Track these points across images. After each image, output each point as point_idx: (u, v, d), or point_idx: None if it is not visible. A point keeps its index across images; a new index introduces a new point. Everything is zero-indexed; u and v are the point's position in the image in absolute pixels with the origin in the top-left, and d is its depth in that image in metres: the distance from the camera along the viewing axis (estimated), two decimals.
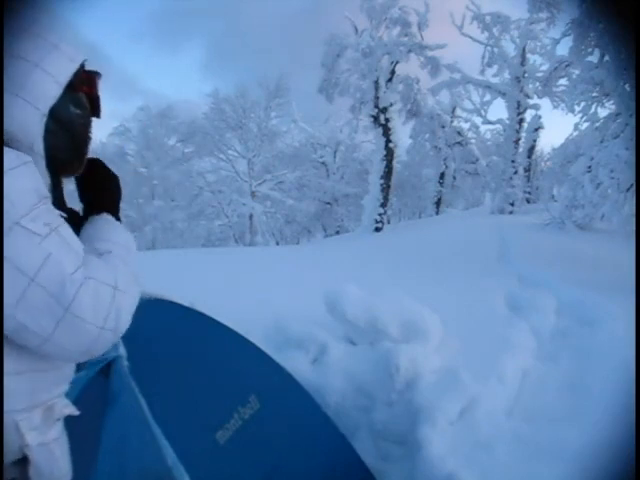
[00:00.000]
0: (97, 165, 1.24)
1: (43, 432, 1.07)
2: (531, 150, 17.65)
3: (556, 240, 8.99)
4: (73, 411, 1.15)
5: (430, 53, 15.41)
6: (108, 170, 1.26)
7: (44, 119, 1.04)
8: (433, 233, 11.40)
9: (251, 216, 25.20)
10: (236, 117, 25.75)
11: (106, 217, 1.18)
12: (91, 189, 1.21)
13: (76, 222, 1.13)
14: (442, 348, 3.56)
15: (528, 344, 3.97)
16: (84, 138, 1.16)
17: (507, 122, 17.11)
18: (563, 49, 12.30)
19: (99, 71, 1.20)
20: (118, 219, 1.21)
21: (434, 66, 15.54)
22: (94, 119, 1.21)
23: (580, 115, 9.86)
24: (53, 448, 1.09)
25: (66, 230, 1.00)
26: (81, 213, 1.22)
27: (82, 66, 1.14)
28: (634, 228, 6.76)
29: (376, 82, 15.16)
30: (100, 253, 1.06)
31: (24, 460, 1.04)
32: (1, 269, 0.90)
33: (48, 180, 1.07)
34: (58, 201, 1.10)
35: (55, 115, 1.06)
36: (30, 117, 1.02)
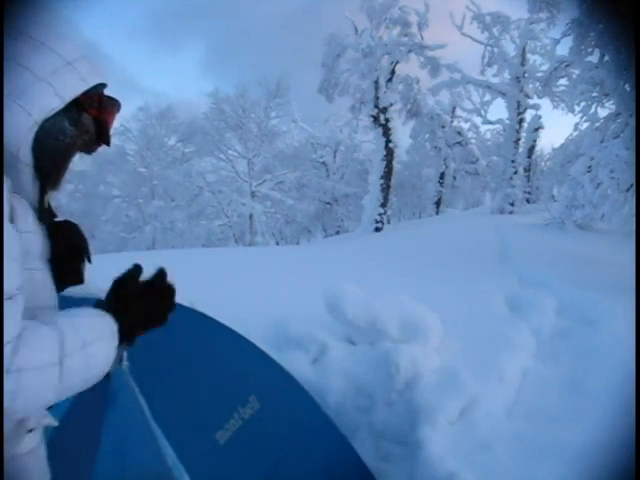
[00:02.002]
0: (156, 277, 1.14)
1: (13, 445, 1.02)
2: (531, 150, 17.63)
3: (556, 240, 8.98)
4: (52, 422, 1.10)
5: (430, 53, 15.41)
6: (157, 289, 1.13)
7: (35, 127, 1.02)
8: (433, 233, 11.39)
9: (251, 216, 25.20)
10: (236, 117, 25.75)
11: (107, 319, 1.02)
12: (121, 292, 1.08)
13: (59, 235, 1.12)
14: (442, 348, 3.56)
15: (528, 344, 3.97)
16: (66, 153, 1.11)
17: (507, 122, 17.08)
18: (563, 49, 12.29)
19: (118, 100, 1.18)
20: (122, 337, 1.05)
21: (434, 66, 15.54)
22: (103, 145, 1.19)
23: (580, 115, 9.85)
24: (25, 461, 1.04)
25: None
26: (68, 225, 1.18)
27: (97, 89, 1.13)
28: (634, 228, 6.75)
29: (376, 82, 15.16)
30: (45, 323, 0.93)
31: None
32: (1, 272, 0.90)
33: (36, 190, 1.06)
34: (42, 213, 1.08)
35: (46, 126, 1.04)
36: (22, 123, 1.00)
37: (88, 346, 0.94)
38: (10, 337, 0.83)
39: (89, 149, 1.18)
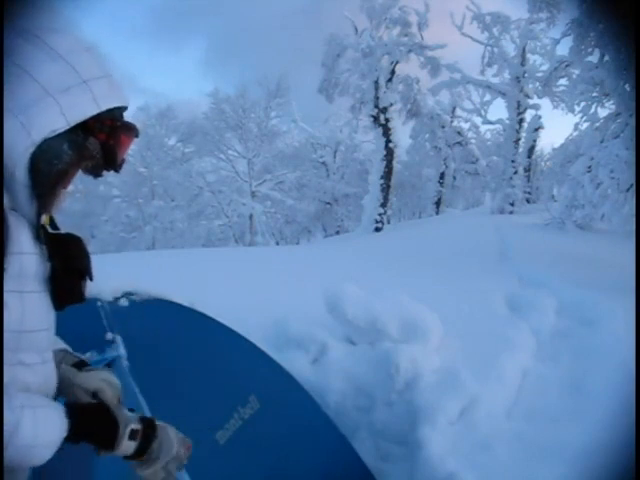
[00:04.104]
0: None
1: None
2: (531, 150, 17.63)
3: (556, 240, 8.98)
4: None
5: (430, 53, 15.42)
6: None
7: (32, 148, 0.96)
8: (433, 233, 11.39)
9: (251, 216, 25.20)
10: (236, 117, 25.75)
11: (64, 430, 1.01)
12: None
13: (56, 251, 1.06)
14: (442, 348, 3.56)
15: (528, 344, 3.97)
16: (59, 178, 1.03)
17: (507, 122, 17.09)
18: (563, 49, 12.29)
19: (135, 126, 1.11)
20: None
21: (434, 66, 15.54)
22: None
23: (580, 115, 9.86)
24: (17, 476, 1.04)
25: None
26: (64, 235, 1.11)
27: (112, 113, 1.06)
28: (634, 228, 6.75)
29: (376, 82, 15.16)
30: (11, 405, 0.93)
31: None
32: (1, 274, 0.89)
33: (33, 210, 1.01)
34: (39, 232, 1.03)
35: (43, 147, 0.98)
36: (19, 142, 0.95)
37: (34, 448, 0.96)
38: None
39: (95, 173, 1.11)
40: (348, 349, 3.48)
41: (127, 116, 1.12)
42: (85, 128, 1.03)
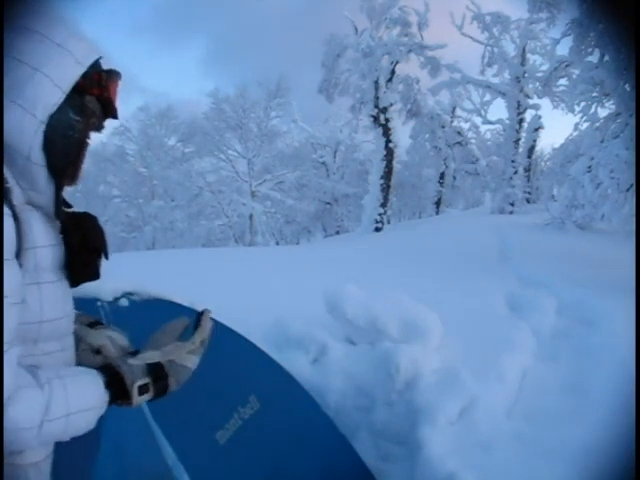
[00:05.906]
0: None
1: (38, 450, 1.03)
2: (531, 150, 17.63)
3: (556, 240, 8.99)
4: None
5: (430, 53, 15.42)
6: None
7: (42, 127, 0.98)
8: (433, 233, 11.40)
9: (251, 216, 25.21)
10: (236, 117, 25.77)
11: (101, 391, 1.02)
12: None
13: (74, 228, 1.07)
14: (442, 348, 3.56)
15: (528, 344, 3.97)
16: (79, 146, 1.07)
17: (507, 122, 17.10)
18: (563, 49, 12.29)
19: (116, 70, 1.12)
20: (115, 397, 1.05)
21: (434, 66, 15.55)
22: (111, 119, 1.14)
23: (580, 115, 9.84)
24: (24, 472, 1.03)
25: None
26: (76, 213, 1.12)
27: (94, 67, 1.07)
28: (634, 228, 6.75)
29: (376, 82, 15.16)
30: (39, 382, 0.94)
31: None
32: (1, 271, 0.89)
33: (52, 189, 1.02)
34: (58, 209, 1.05)
35: (52, 123, 1.00)
36: (27, 125, 0.96)
37: (72, 415, 0.96)
38: None
39: (98, 128, 1.13)
40: (348, 349, 3.48)
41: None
42: (77, 89, 1.04)
